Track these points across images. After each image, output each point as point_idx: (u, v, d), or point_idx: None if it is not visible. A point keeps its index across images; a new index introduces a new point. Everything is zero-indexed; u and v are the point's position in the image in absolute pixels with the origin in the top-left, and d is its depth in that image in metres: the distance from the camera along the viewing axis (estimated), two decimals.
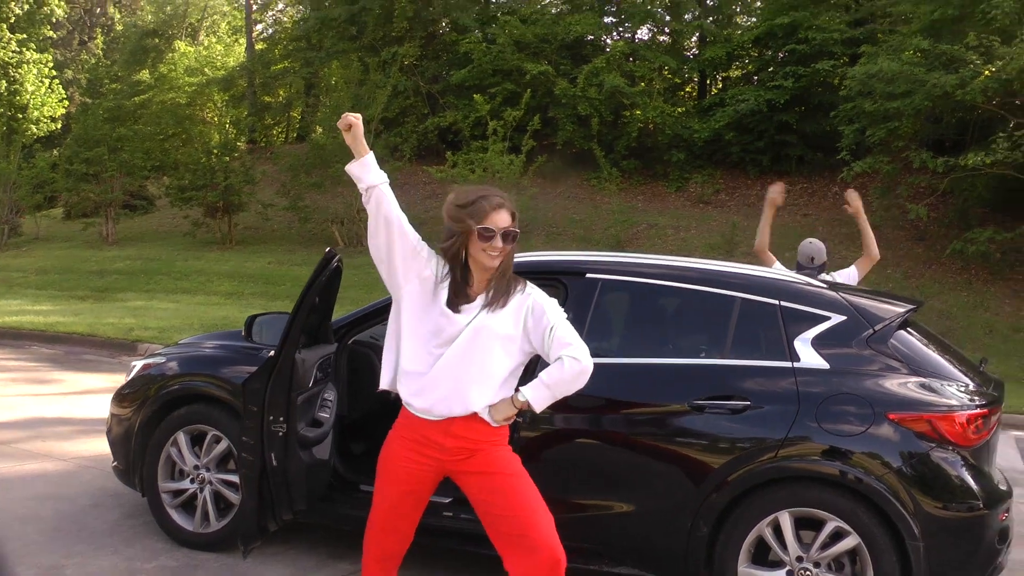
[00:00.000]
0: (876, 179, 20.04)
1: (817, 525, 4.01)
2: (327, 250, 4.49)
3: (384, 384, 3.58)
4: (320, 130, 24.76)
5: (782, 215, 21.29)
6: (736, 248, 19.07)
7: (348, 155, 3.40)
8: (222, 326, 13.15)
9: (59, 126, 31.11)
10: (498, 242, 3.34)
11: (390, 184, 3.47)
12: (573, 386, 3.39)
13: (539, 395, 3.39)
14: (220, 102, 30.62)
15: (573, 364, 3.33)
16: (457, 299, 3.40)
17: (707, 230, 20.82)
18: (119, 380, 9.36)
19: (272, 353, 4.42)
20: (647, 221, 21.59)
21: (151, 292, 19.07)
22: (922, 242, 19.00)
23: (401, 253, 3.42)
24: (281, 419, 4.36)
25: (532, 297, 3.45)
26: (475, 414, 3.40)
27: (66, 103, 31.72)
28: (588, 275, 4.55)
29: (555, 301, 3.49)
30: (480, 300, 3.41)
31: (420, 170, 24.08)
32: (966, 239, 16.89)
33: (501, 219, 3.36)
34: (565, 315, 3.48)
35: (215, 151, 24.05)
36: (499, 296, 3.41)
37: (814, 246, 6.59)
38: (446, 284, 3.43)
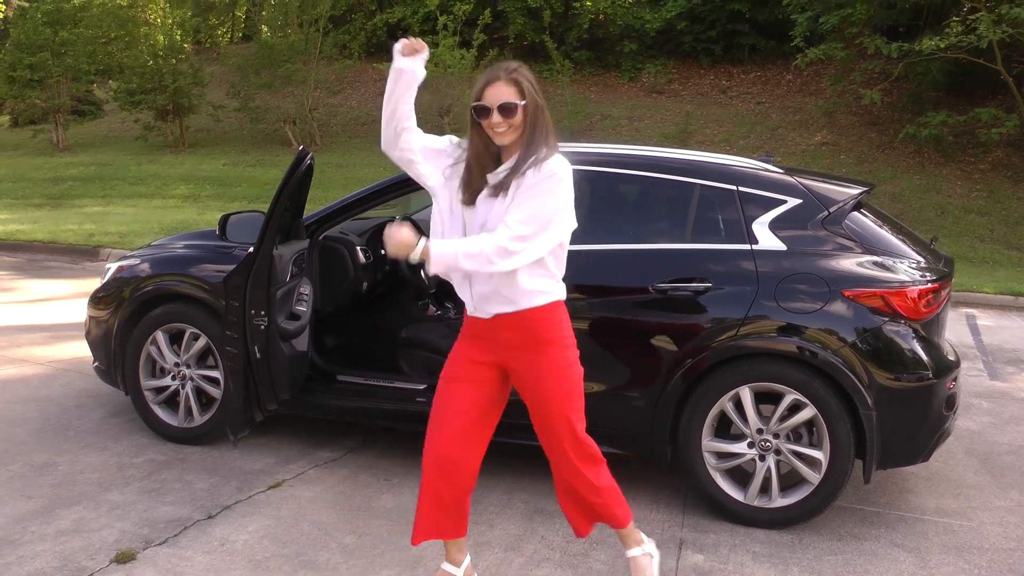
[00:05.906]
0: (830, 66, 20.18)
1: (776, 399, 4.24)
2: (300, 148, 4.57)
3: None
4: (267, 30, 24.31)
5: (735, 103, 21.51)
6: (690, 137, 19.19)
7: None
8: (182, 228, 13.18)
9: None
10: (496, 117, 2.98)
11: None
12: (473, 264, 2.91)
13: (443, 253, 2.92)
14: (162, 2, 29.82)
15: (489, 242, 2.92)
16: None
17: (661, 120, 20.88)
18: (84, 286, 9.34)
19: (251, 250, 4.54)
20: (601, 112, 21.61)
21: (108, 197, 18.91)
22: (875, 127, 19.21)
23: None
24: (263, 313, 4.52)
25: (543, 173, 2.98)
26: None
27: (2, 7, 30.74)
28: None
29: (564, 192, 3.02)
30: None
31: (370, 67, 23.83)
32: (919, 123, 17.17)
33: (495, 93, 2.99)
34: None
35: (161, 53, 23.54)
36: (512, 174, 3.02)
37: None
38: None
